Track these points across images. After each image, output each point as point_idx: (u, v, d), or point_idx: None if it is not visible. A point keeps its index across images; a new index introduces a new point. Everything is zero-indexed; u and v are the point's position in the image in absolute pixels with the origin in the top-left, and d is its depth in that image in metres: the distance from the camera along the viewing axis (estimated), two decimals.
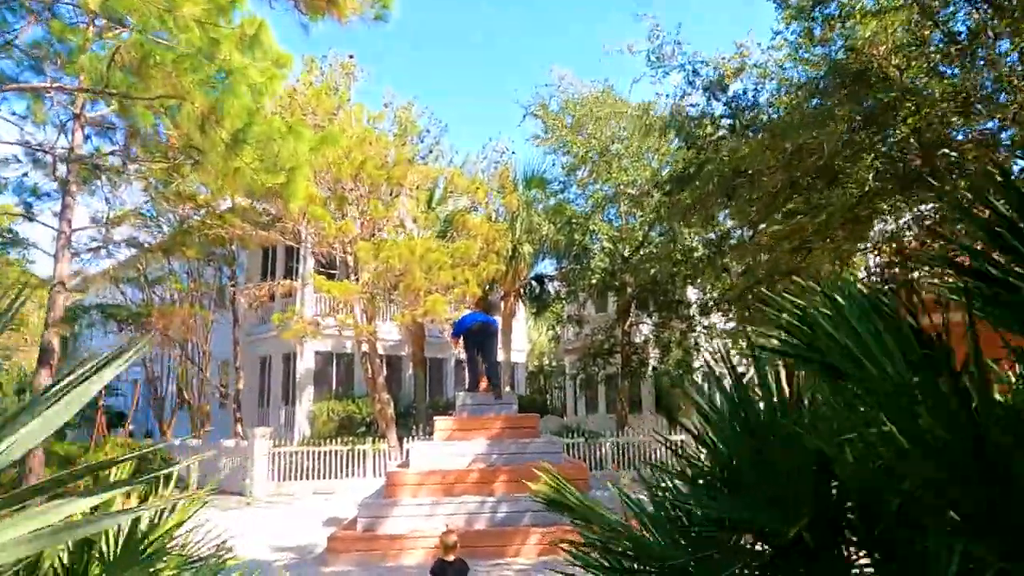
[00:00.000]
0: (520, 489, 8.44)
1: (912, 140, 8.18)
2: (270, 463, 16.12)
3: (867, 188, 8.30)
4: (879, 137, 8.40)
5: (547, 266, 22.80)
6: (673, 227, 14.73)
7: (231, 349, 21.95)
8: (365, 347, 15.82)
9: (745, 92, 10.21)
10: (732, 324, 17.47)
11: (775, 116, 9.29)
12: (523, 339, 27.90)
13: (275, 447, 16.21)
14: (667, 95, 10.73)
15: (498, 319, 14.07)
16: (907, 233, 12.67)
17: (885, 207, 9.30)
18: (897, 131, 8.14)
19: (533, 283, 19.90)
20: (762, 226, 11.02)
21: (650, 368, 17.67)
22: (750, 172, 8.74)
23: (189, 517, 1.96)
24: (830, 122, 7.74)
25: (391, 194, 12.92)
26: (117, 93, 8.17)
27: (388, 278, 12.37)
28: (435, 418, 9.48)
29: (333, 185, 13.10)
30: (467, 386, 10.08)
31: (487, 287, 14.56)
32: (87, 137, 12.20)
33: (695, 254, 14.54)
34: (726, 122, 10.07)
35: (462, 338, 9.86)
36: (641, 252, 16.13)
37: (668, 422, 19.38)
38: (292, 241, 15.08)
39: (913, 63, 7.95)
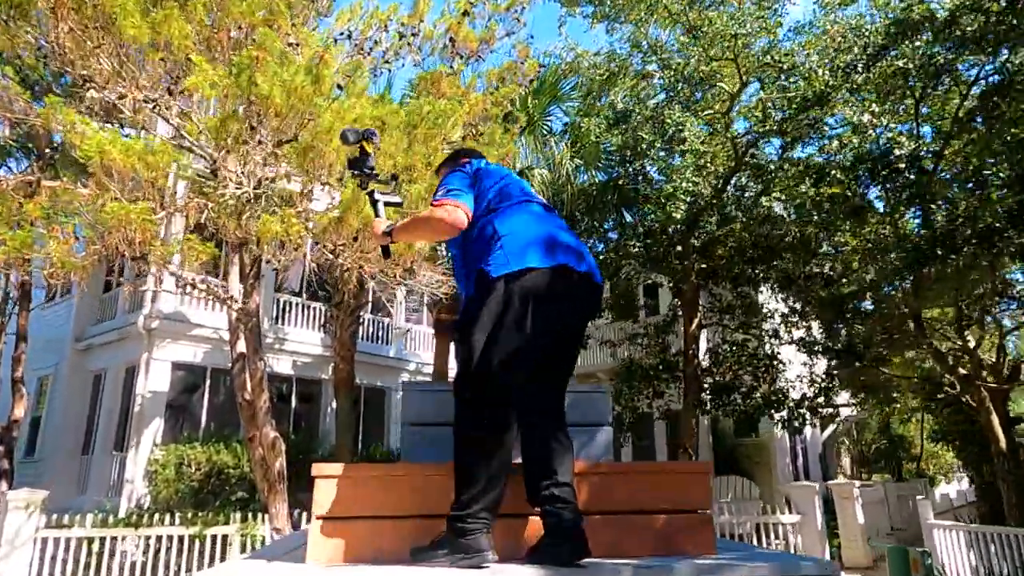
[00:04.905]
0: None
1: None
2: (36, 560, 8.35)
3: None
4: None
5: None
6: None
7: (55, 359, 14.21)
8: (242, 345, 8.45)
9: None
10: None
11: None
12: None
13: (49, 528, 8.49)
14: None
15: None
16: None
17: None
18: None
19: None
20: None
21: (734, 398, 10.64)
22: None
23: None
24: None
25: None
26: None
27: (254, 131, 5.32)
28: (315, 470, 2.36)
29: None
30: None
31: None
32: None
33: (896, 154, 7.79)
34: None
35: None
36: (730, 191, 9.26)
37: (756, 490, 12.37)
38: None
39: None
